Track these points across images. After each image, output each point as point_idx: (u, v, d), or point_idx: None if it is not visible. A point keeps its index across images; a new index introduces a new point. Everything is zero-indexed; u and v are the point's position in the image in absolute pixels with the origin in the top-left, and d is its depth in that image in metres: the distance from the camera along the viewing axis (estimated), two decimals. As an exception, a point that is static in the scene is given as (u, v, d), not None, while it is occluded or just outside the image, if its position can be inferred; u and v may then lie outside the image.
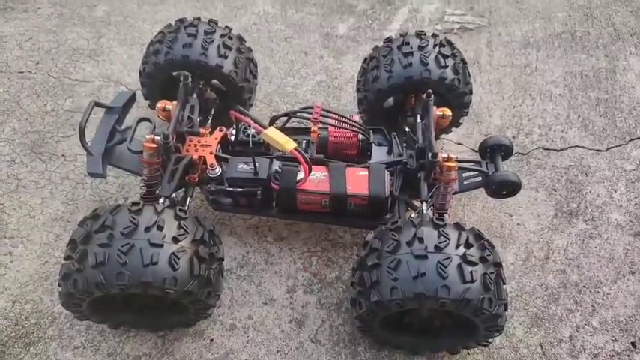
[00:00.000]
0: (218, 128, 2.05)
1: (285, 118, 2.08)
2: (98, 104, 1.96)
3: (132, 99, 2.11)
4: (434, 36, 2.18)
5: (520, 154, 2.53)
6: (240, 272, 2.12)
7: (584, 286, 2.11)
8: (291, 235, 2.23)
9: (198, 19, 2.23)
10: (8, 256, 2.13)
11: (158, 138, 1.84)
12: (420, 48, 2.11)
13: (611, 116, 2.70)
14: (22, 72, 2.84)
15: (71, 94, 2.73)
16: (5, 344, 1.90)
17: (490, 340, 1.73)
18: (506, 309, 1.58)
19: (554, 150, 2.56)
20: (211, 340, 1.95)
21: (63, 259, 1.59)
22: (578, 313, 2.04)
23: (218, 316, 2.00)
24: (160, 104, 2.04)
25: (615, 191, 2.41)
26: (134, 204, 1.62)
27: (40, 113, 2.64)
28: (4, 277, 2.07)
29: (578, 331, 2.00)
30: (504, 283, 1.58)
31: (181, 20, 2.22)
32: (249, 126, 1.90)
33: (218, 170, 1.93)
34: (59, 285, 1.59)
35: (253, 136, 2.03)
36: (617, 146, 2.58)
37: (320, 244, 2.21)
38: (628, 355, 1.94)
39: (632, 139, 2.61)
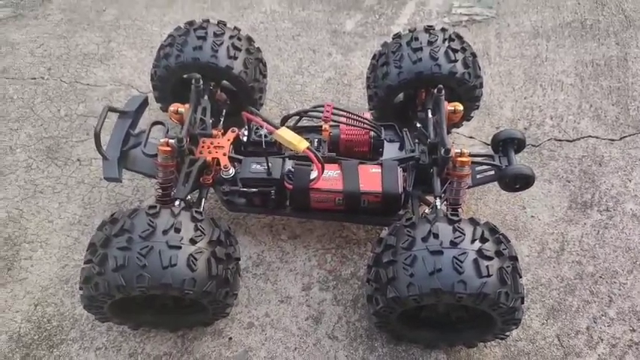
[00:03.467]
0: (230, 129, 2.07)
1: (297, 118, 2.09)
2: (112, 109, 1.99)
3: (144, 103, 2.13)
4: (443, 30, 2.17)
5: (532, 145, 2.52)
6: (256, 271, 2.14)
7: (601, 277, 2.11)
8: (305, 232, 2.25)
9: (207, 21, 2.25)
10: (29, 261, 2.17)
11: (172, 141, 1.87)
12: (430, 43, 2.10)
13: (624, 105, 2.68)
14: (34, 78, 2.87)
15: (84, 99, 2.77)
16: (29, 347, 1.95)
17: (507, 333, 1.74)
18: (523, 302, 1.58)
19: (567, 140, 2.54)
20: (230, 338, 1.98)
21: (83, 263, 1.62)
22: (594, 304, 2.04)
23: (236, 314, 2.02)
24: (172, 107, 2.06)
25: (630, 181, 2.39)
26: (151, 207, 1.64)
27: (54, 119, 2.68)
28: (26, 281, 2.11)
29: (595, 322, 1.99)
30: (520, 277, 1.58)
31: (190, 23, 2.23)
32: (262, 126, 1.92)
33: (232, 171, 1.95)
34: (80, 289, 1.62)
35: (265, 136, 2.04)
36: (630, 135, 2.56)
37: (334, 242, 2.22)
38: (646, 345, 1.94)
39: (646, 128, 2.58)
